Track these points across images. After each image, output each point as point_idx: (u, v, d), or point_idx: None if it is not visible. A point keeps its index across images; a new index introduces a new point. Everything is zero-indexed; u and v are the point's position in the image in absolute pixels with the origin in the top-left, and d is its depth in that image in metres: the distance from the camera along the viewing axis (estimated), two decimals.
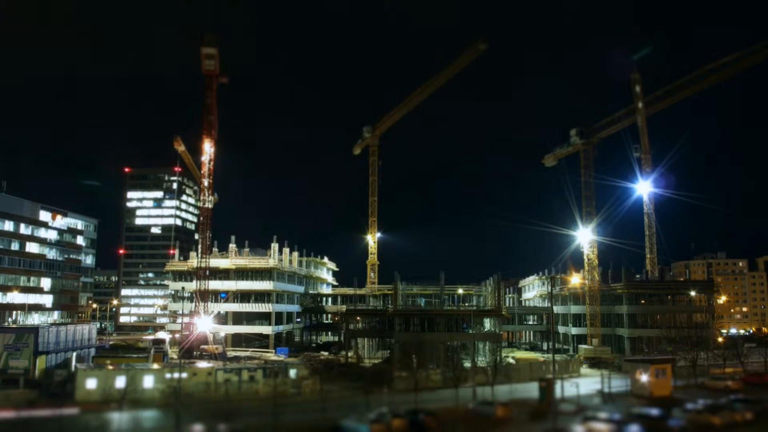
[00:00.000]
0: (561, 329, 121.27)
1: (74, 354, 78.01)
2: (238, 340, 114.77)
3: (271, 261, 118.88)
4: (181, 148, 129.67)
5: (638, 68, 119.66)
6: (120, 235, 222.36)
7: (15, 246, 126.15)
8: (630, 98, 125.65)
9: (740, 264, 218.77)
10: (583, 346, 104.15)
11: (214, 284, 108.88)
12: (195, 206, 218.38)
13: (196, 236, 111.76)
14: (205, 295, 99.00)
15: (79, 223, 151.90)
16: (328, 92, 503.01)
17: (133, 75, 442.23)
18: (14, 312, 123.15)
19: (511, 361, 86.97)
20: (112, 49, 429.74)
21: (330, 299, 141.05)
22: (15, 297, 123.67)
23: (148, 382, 59.85)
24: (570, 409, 51.88)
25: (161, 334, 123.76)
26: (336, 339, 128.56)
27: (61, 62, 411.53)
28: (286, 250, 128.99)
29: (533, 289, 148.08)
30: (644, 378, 60.17)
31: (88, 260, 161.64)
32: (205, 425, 42.98)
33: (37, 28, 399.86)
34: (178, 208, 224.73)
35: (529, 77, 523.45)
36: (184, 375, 61.21)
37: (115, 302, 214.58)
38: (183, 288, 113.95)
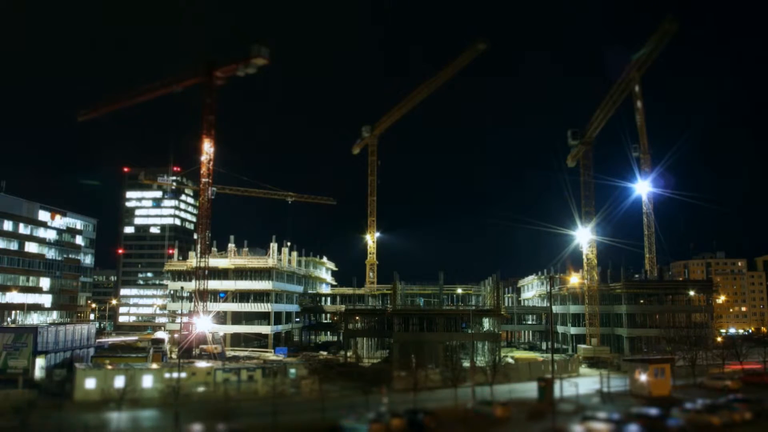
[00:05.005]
0: (560, 329, 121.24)
1: (73, 354, 77.97)
2: (237, 339, 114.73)
3: (270, 261, 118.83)
4: None
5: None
6: (119, 235, 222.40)
7: (14, 246, 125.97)
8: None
9: (739, 264, 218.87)
10: (582, 346, 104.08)
11: (213, 284, 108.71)
12: (194, 206, 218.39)
13: (195, 236, 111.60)
14: (204, 295, 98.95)
15: (78, 223, 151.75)
16: (327, 91, 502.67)
17: (133, 75, 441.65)
18: (13, 312, 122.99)
19: (510, 360, 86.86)
20: (112, 49, 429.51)
21: (329, 299, 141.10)
22: (14, 297, 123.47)
23: (147, 381, 59.86)
24: (569, 409, 51.92)
25: (159, 334, 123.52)
26: (335, 339, 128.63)
27: (60, 62, 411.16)
28: (285, 249, 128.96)
29: (532, 289, 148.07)
30: (643, 378, 60.17)
31: (87, 260, 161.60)
32: (204, 425, 42.97)
33: (36, 28, 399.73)
34: (177, 207, 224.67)
35: (529, 77, 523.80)
36: (183, 375, 61.23)
37: (114, 302, 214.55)
38: (182, 288, 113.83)
